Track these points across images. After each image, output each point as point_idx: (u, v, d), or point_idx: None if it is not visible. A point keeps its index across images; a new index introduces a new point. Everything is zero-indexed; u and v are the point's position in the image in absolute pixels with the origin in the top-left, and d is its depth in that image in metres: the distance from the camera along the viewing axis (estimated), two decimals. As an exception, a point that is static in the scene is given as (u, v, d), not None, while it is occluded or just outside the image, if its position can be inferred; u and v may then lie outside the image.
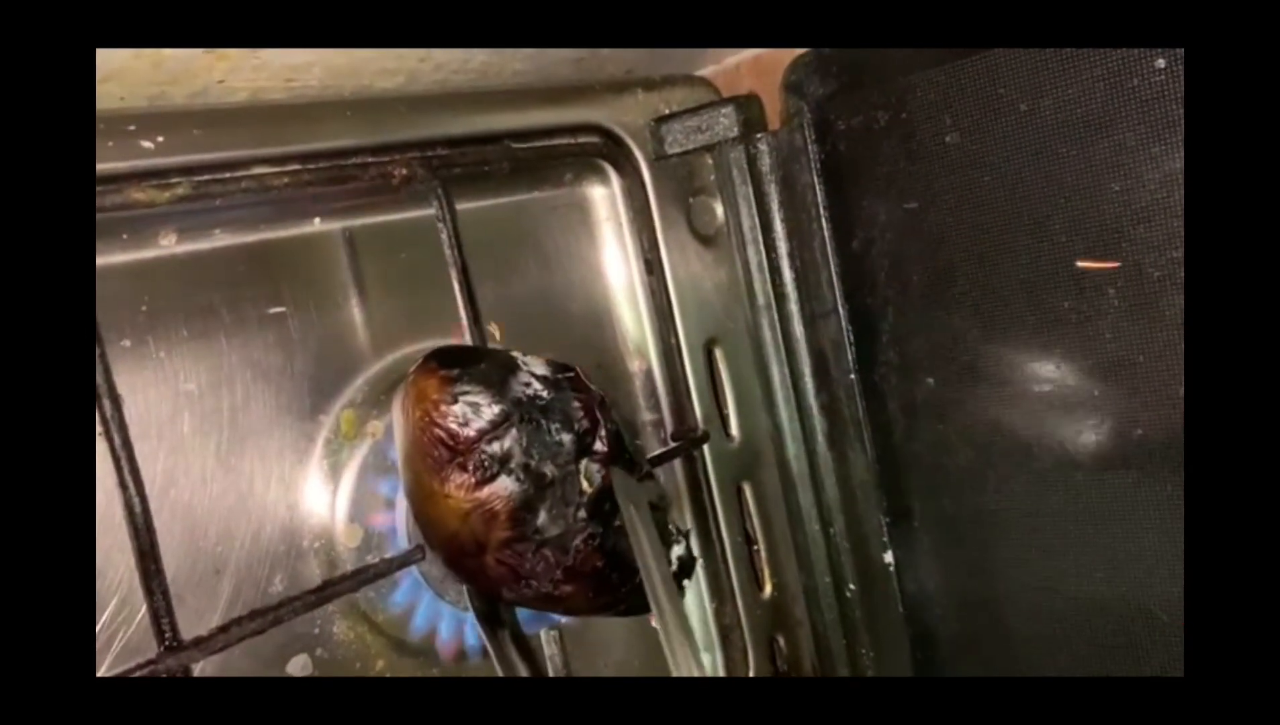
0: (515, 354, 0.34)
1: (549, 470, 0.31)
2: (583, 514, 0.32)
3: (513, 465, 0.31)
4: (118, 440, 0.29)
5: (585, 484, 0.32)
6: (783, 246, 0.48)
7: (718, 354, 0.49)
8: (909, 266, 0.45)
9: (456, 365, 0.32)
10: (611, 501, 0.33)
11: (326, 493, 0.38)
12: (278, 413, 0.38)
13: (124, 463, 0.29)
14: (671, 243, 0.48)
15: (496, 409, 0.31)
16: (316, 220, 0.39)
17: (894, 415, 0.47)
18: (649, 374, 0.49)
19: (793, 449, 0.49)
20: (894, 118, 0.43)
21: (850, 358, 0.47)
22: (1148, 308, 0.38)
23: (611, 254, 0.48)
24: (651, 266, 0.48)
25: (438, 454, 0.31)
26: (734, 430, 0.50)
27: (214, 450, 0.36)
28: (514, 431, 0.31)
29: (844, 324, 0.47)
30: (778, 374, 0.49)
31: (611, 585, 0.33)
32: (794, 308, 0.48)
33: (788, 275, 0.48)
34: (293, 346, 0.38)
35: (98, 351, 0.29)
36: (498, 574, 0.32)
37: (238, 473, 0.37)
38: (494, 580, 0.32)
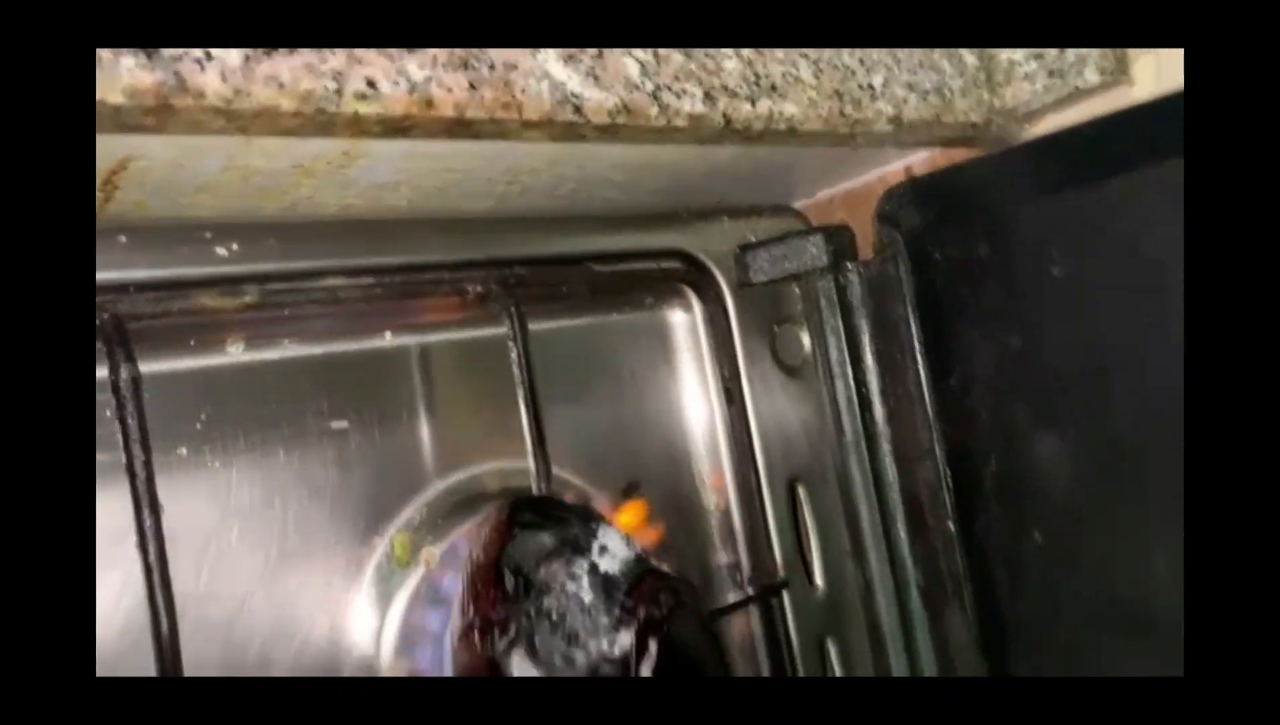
0: (598, 530, 0.32)
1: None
2: None
3: (514, 658, 0.29)
4: (153, 553, 0.28)
5: None
6: (874, 381, 0.45)
7: (801, 493, 0.46)
8: (1014, 407, 0.41)
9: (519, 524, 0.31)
10: None
11: (373, 622, 0.36)
12: (330, 533, 0.36)
13: (156, 578, 0.28)
14: (754, 372, 0.45)
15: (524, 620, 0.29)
16: (388, 334, 0.38)
17: (997, 572, 0.42)
18: (726, 512, 0.46)
19: (884, 604, 0.45)
20: (995, 249, 0.40)
21: (949, 505, 0.43)
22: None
23: (690, 382, 0.46)
24: (732, 396, 0.45)
25: (464, 607, 0.30)
26: (818, 579, 0.46)
27: (260, 569, 0.34)
28: (539, 631, 0.29)
29: (941, 467, 0.43)
30: (867, 519, 0.45)
31: None
32: (886, 447, 0.45)
33: (879, 411, 0.45)
34: (352, 464, 0.36)
35: (140, 458, 0.28)
36: None
37: (282, 595, 0.35)
38: None
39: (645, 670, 0.29)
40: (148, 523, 0.28)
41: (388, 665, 0.36)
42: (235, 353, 0.34)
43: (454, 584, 0.34)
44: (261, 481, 0.35)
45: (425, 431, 0.38)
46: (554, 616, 0.29)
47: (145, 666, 0.29)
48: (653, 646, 0.30)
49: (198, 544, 0.33)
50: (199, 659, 0.30)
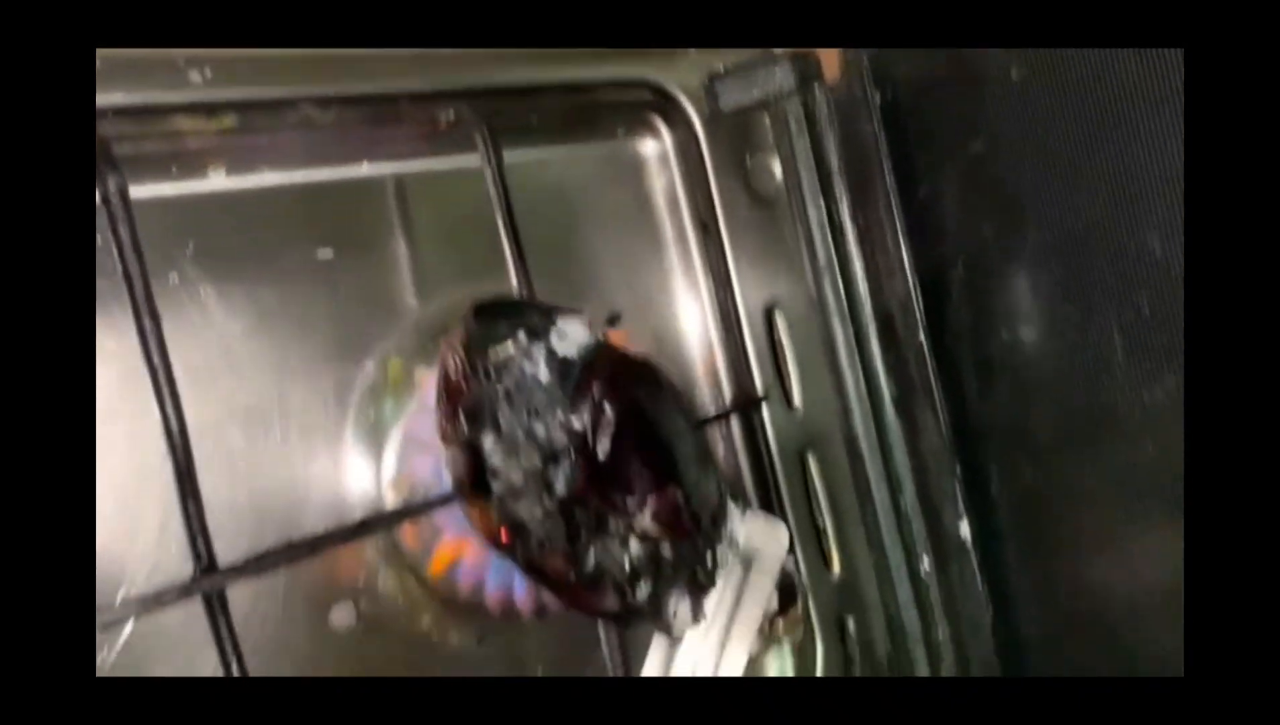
0: (558, 320, 0.33)
1: (524, 457, 0.31)
2: (551, 506, 0.31)
3: (485, 440, 0.31)
4: (156, 356, 0.29)
5: (561, 485, 0.31)
6: (844, 203, 0.46)
7: (778, 319, 0.47)
8: (979, 214, 0.42)
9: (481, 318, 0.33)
10: (588, 509, 0.32)
11: (374, 441, 0.38)
12: (324, 358, 0.37)
13: (161, 377, 0.29)
14: (728, 204, 0.46)
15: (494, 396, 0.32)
16: (365, 163, 0.38)
17: (967, 375, 0.44)
18: (706, 341, 0.47)
19: (859, 416, 0.47)
20: (955, 56, 0.41)
21: (919, 316, 0.45)
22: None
23: (666, 214, 0.47)
24: (708, 228, 0.46)
25: (439, 402, 0.32)
26: (796, 401, 0.47)
27: (257, 394, 0.36)
28: (502, 411, 0.31)
29: (911, 281, 0.45)
30: (842, 338, 0.47)
31: (588, 598, 0.32)
32: (858, 267, 0.46)
33: (850, 233, 0.46)
34: (339, 291, 0.37)
35: (135, 266, 0.29)
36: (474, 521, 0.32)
37: (282, 418, 0.36)
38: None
39: (604, 439, 0.31)
40: (148, 326, 0.29)
41: (390, 479, 0.37)
42: (217, 179, 0.35)
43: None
44: (253, 308, 0.36)
45: (407, 260, 0.39)
46: (515, 395, 0.31)
47: (159, 473, 0.30)
48: (609, 413, 0.31)
49: (195, 372, 0.34)
50: (207, 477, 0.32)
